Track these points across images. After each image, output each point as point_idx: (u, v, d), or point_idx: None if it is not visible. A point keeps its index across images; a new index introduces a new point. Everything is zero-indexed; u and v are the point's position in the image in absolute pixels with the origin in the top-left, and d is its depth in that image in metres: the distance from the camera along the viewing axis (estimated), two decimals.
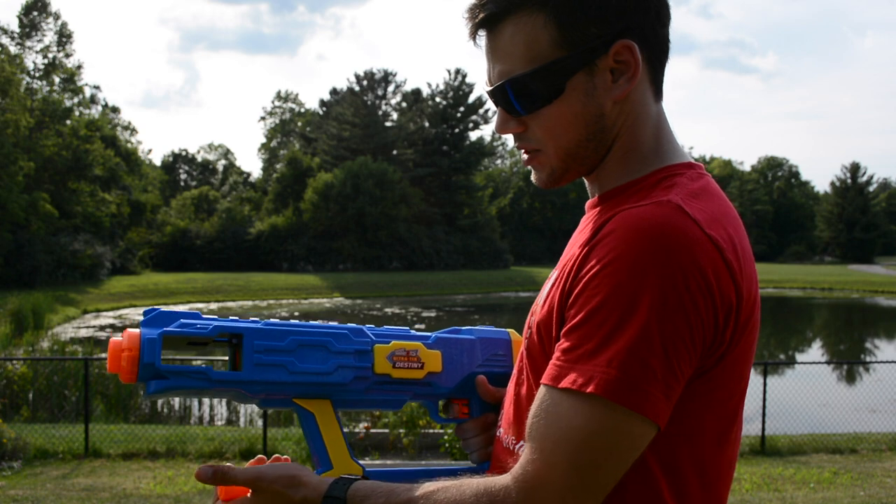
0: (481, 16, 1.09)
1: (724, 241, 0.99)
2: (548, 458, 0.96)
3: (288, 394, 1.20)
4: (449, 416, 1.34)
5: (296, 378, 1.19)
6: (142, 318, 1.15)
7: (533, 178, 1.18)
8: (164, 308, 1.17)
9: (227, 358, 1.23)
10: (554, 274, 1.13)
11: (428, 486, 1.05)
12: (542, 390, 1.01)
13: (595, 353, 0.95)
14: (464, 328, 1.35)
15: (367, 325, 1.28)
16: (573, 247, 1.11)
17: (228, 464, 1.14)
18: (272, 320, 1.22)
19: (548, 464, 0.96)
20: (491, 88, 1.11)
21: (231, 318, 1.20)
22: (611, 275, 0.96)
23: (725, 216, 1.04)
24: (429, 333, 1.32)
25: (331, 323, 1.26)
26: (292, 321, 1.23)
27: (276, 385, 1.18)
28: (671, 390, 0.96)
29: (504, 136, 1.19)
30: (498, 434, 1.22)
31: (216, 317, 1.19)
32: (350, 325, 1.27)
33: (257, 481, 1.12)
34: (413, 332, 1.31)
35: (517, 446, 1.14)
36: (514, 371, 1.20)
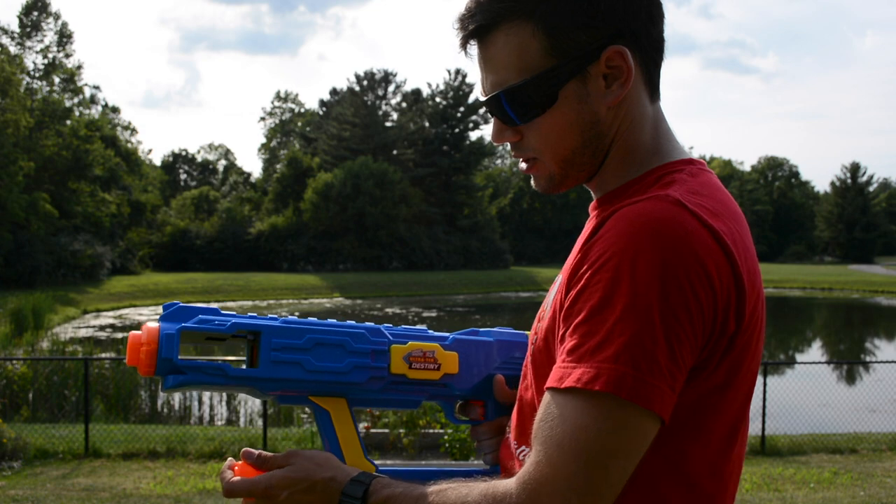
0: (471, 27, 1.09)
1: (725, 234, 0.98)
2: (552, 458, 0.93)
3: (303, 391, 1.21)
4: (465, 418, 1.34)
5: (311, 376, 1.19)
6: (161, 312, 1.16)
7: (533, 184, 1.17)
8: (183, 303, 1.18)
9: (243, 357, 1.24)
10: (558, 279, 1.13)
11: (441, 484, 1.04)
12: (547, 395, 0.98)
13: (599, 348, 0.93)
14: (482, 329, 1.34)
15: (385, 325, 1.28)
16: (575, 249, 1.11)
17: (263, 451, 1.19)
18: (290, 317, 1.22)
19: (552, 465, 0.93)
20: (485, 99, 1.11)
21: (250, 314, 1.21)
22: (610, 269, 0.95)
23: (727, 211, 1.03)
24: (447, 334, 1.31)
25: (349, 322, 1.26)
26: (311, 319, 1.23)
27: (292, 382, 1.19)
28: (676, 382, 0.94)
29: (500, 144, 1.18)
30: (507, 437, 1.22)
31: (235, 313, 1.20)
32: (368, 324, 1.26)
33: (293, 456, 1.14)
34: (431, 332, 1.30)
35: (519, 451, 1.15)
36: (522, 375, 1.20)
